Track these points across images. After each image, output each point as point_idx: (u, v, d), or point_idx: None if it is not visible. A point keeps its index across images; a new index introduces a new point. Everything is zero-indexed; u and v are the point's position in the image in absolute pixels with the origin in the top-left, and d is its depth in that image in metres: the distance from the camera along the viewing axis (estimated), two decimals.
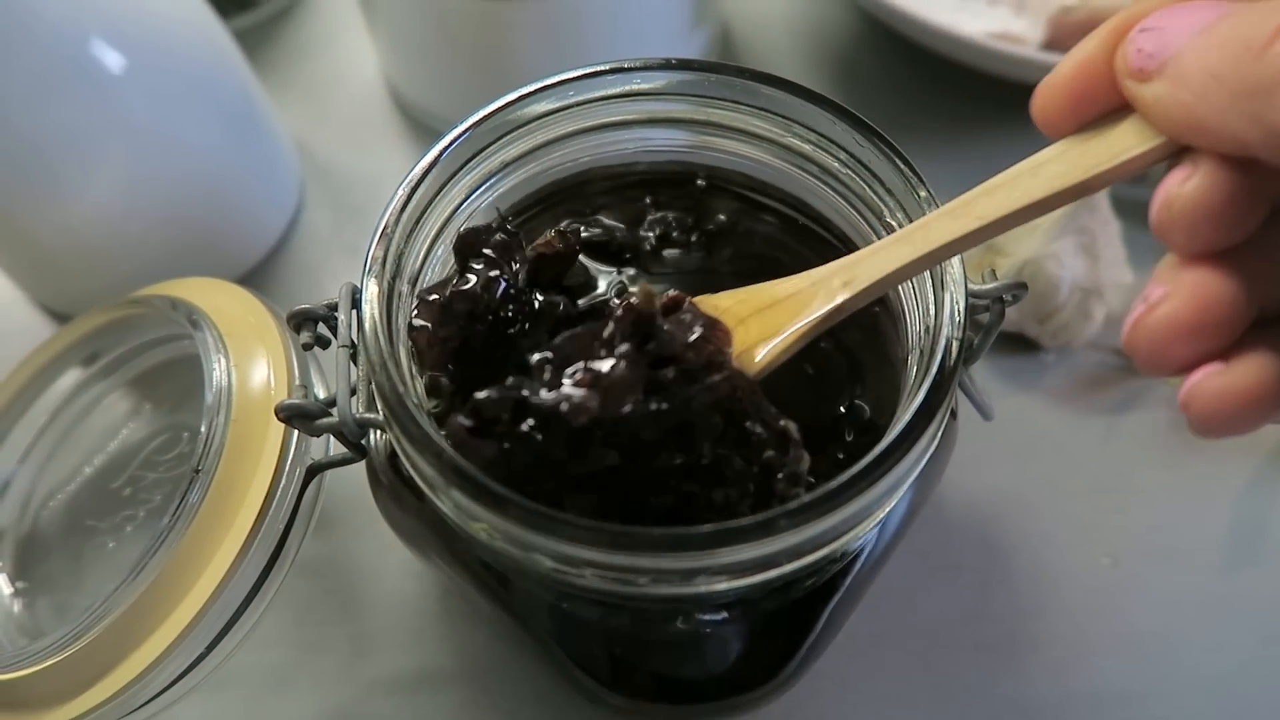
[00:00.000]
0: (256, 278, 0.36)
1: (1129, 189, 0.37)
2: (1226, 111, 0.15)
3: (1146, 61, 0.16)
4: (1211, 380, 0.16)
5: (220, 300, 0.28)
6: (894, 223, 0.22)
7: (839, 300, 0.20)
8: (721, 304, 0.21)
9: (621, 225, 0.27)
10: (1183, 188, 0.16)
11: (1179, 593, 0.29)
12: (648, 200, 0.27)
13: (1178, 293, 0.16)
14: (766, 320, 0.21)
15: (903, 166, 0.22)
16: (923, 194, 0.21)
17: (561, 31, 0.34)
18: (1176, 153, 0.17)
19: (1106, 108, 0.18)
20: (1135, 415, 0.32)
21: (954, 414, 0.24)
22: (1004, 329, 0.27)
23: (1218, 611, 0.29)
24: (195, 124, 0.33)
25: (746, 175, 0.26)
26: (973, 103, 0.39)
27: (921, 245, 0.19)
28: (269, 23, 0.44)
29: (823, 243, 0.26)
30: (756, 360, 0.20)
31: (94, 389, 0.30)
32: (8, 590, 0.27)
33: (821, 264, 0.21)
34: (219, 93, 0.34)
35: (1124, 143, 0.17)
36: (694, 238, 0.26)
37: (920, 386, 0.19)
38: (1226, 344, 0.16)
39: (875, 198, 0.23)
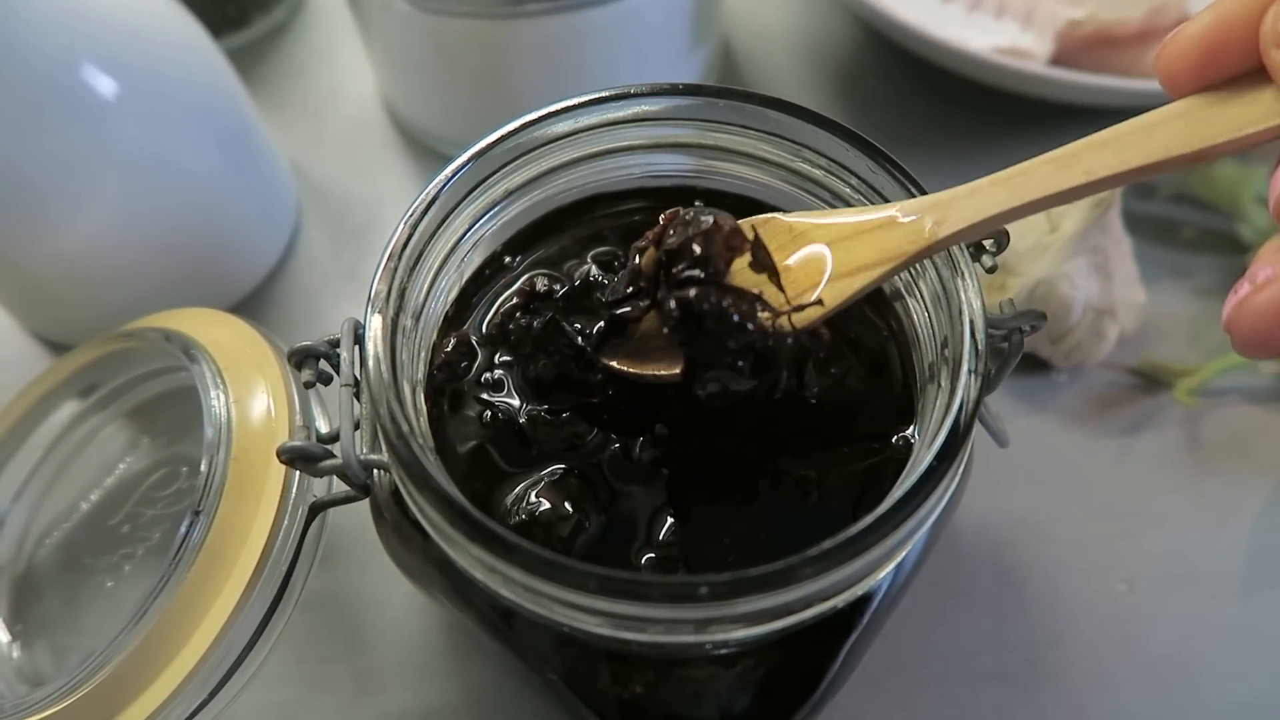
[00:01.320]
0: (253, 303, 0.36)
1: (1141, 204, 0.37)
2: None
3: None
4: (1253, 299, 0.15)
5: (217, 332, 0.27)
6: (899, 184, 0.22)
7: (926, 243, 0.19)
8: (798, 227, 0.20)
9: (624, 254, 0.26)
10: None
11: (1198, 619, 0.29)
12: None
13: None
14: (850, 251, 0.20)
15: (916, 193, 0.21)
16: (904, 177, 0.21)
17: (562, 51, 0.33)
18: None
19: (1239, 72, 0.16)
20: (1150, 436, 0.32)
21: (968, 440, 0.24)
22: (1026, 314, 0.27)
23: (1238, 638, 0.28)
24: (190, 149, 0.33)
25: (755, 200, 0.26)
26: (979, 118, 0.39)
27: (1021, 193, 0.18)
28: (262, 41, 0.44)
29: None
30: (825, 300, 0.20)
31: (90, 422, 0.29)
32: (5, 636, 0.26)
33: None
34: (214, 116, 0.34)
35: (1252, 113, 0.16)
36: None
37: (942, 427, 0.18)
38: None
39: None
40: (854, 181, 0.23)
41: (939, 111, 0.40)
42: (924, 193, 0.21)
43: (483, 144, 0.22)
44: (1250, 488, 0.31)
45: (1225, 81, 0.16)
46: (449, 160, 0.22)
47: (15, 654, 0.26)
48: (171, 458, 0.29)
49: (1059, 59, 0.36)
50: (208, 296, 0.35)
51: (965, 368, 0.19)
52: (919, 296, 0.22)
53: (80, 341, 0.33)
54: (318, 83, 0.42)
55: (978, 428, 0.24)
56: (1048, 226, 0.30)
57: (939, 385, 0.20)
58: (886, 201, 0.22)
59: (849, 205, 0.23)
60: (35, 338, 0.36)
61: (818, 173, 0.24)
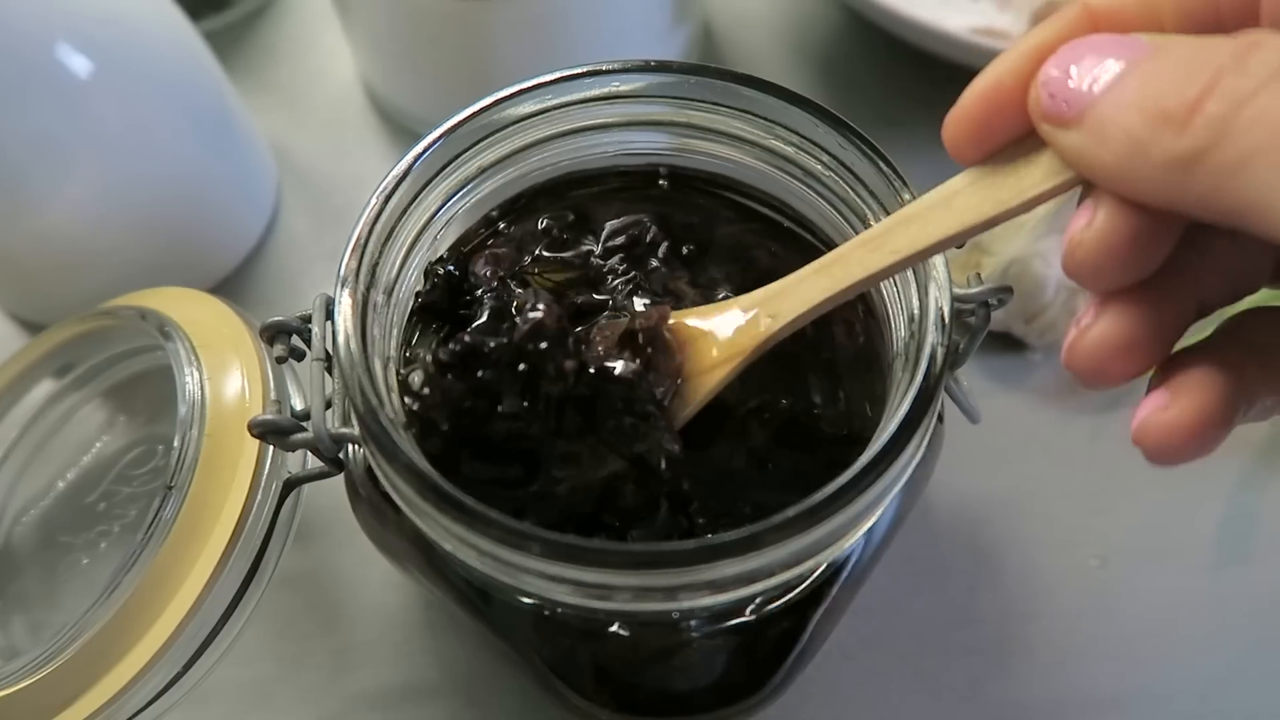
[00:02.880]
0: (233, 284, 0.36)
1: None
2: (1153, 177, 0.14)
3: (1062, 109, 0.15)
4: (1157, 417, 0.16)
5: (193, 310, 0.27)
6: (891, 188, 0.22)
7: (763, 337, 0.20)
8: (676, 326, 0.21)
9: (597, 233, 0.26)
10: (1085, 233, 0.15)
11: (1169, 593, 0.29)
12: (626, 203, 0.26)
13: (1104, 316, 0.16)
14: (702, 347, 0.21)
15: (885, 169, 0.22)
16: (906, 196, 0.21)
17: (540, 31, 0.33)
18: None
19: (1018, 136, 0.17)
20: (1123, 414, 0.32)
21: (940, 418, 0.24)
22: (990, 328, 0.27)
23: (1209, 612, 0.29)
24: (167, 129, 0.32)
25: (727, 177, 0.26)
26: (950, 93, 0.39)
27: (840, 279, 0.19)
28: (241, 24, 0.43)
29: (804, 244, 0.26)
30: (690, 394, 0.21)
31: (66, 401, 0.29)
32: None
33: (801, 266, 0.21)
34: (191, 96, 0.33)
35: (1034, 177, 0.17)
36: (674, 240, 0.26)
37: (906, 395, 0.18)
38: (1164, 354, 0.16)
39: (858, 200, 0.23)
40: (824, 158, 0.23)
41: (917, 92, 0.40)
42: (891, 167, 0.22)
43: (454, 120, 0.22)
44: (1220, 465, 0.31)
45: (1013, 143, 0.17)
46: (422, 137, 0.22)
47: None
48: (148, 436, 0.29)
49: None
50: (187, 277, 0.35)
51: (930, 338, 0.19)
52: None
53: (56, 321, 0.33)
54: (298, 66, 0.42)
55: (950, 404, 0.24)
56: None
57: (907, 358, 0.21)
58: (857, 179, 0.22)
59: (820, 182, 0.24)
60: (10, 317, 0.36)
61: (789, 150, 0.24)
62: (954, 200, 0.18)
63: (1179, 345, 0.17)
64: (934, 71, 0.38)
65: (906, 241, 0.18)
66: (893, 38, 0.37)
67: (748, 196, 0.26)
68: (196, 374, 0.25)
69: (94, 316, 0.28)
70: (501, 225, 0.26)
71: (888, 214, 0.22)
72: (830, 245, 0.25)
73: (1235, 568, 0.30)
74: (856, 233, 0.23)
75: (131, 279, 0.32)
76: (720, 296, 0.23)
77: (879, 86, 0.40)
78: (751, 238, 0.26)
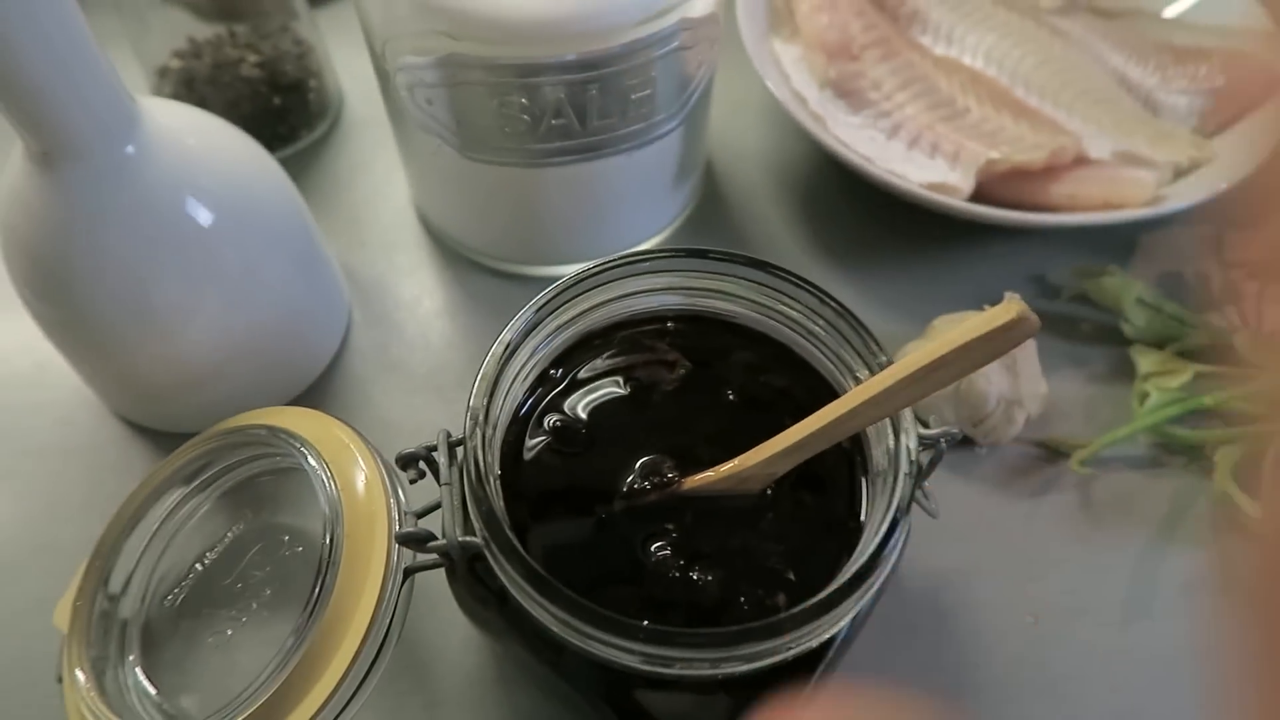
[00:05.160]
0: (316, 391, 0.42)
1: (1048, 304, 0.45)
2: None
3: None
4: None
5: (310, 426, 0.34)
6: (860, 375, 0.30)
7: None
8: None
9: (644, 361, 0.33)
10: None
11: (1089, 644, 0.37)
12: (666, 340, 0.34)
13: None
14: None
15: (868, 339, 0.29)
16: (882, 359, 0.29)
17: (579, 187, 0.41)
18: None
19: None
20: (1052, 498, 0.40)
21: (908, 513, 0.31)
22: (946, 431, 0.35)
23: (1118, 659, 0.36)
24: (270, 264, 0.39)
25: (744, 327, 0.33)
26: (918, 229, 0.47)
27: (815, 446, 0.28)
28: (306, 152, 0.50)
29: (803, 377, 0.33)
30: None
31: (195, 501, 0.35)
32: (145, 680, 0.32)
33: (803, 393, 0.30)
34: (287, 234, 0.40)
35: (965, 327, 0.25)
36: (701, 367, 0.33)
37: (885, 518, 0.26)
38: None
39: (846, 354, 0.30)
40: (821, 323, 0.30)
41: (886, 224, 0.48)
42: (872, 337, 0.29)
43: (543, 299, 0.30)
44: (1130, 538, 0.39)
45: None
46: (517, 313, 0.29)
47: (155, 694, 0.32)
48: (272, 528, 0.35)
49: (982, 187, 0.44)
50: (281, 388, 0.42)
51: (902, 473, 0.27)
52: None
53: (174, 428, 0.39)
54: (357, 191, 0.49)
55: (915, 508, 0.32)
56: None
57: (885, 481, 0.28)
58: (845, 340, 0.30)
59: (816, 338, 0.31)
60: (125, 422, 0.42)
61: (795, 313, 0.31)
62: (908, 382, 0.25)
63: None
64: (897, 207, 0.47)
65: (874, 415, 0.26)
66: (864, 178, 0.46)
67: (762, 342, 0.33)
68: (330, 480, 0.31)
69: (226, 434, 0.34)
70: (561, 370, 0.33)
71: (868, 369, 0.29)
72: (822, 380, 0.32)
73: (1141, 623, 0.37)
74: (843, 376, 0.31)
75: (235, 393, 0.39)
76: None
77: (853, 215, 0.48)
78: (759, 362, 0.34)
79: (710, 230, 0.48)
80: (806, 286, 0.30)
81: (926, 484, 0.32)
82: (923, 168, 0.44)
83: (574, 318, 0.32)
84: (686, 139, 0.42)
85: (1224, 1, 0.51)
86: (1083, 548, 0.39)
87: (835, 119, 0.46)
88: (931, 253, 0.47)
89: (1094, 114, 0.46)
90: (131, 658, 0.33)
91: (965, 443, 0.41)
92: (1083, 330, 0.45)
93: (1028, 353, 0.40)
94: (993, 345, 0.25)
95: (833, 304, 0.30)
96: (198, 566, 0.35)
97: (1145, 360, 0.42)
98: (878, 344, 0.29)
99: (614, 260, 0.31)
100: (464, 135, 0.38)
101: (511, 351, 0.29)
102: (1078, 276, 0.45)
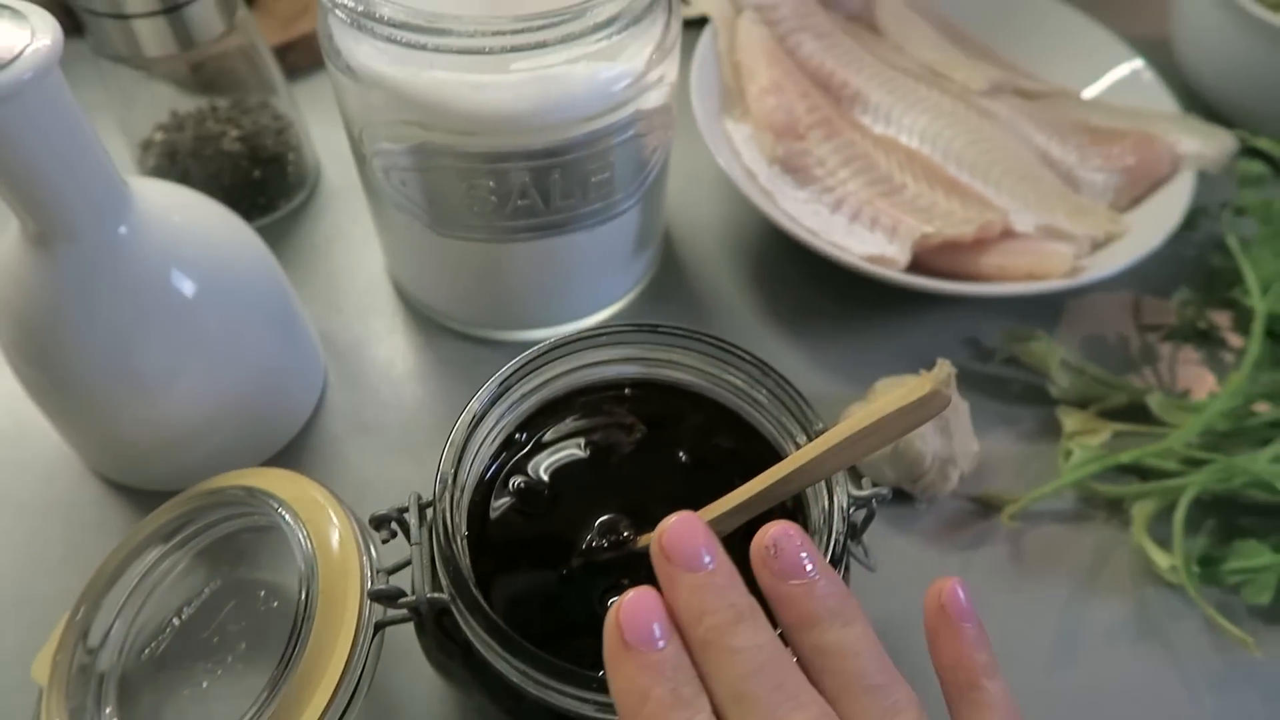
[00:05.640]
0: (292, 451, 0.44)
1: (981, 366, 0.49)
2: None
3: None
4: None
5: (286, 486, 0.36)
6: (799, 441, 0.32)
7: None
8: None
9: (603, 425, 0.36)
10: None
11: (1017, 688, 0.39)
12: (624, 406, 0.36)
13: None
14: None
15: (806, 408, 0.32)
16: (818, 426, 0.32)
17: (544, 260, 0.43)
18: None
19: None
20: (985, 550, 0.43)
21: (849, 568, 0.34)
22: (887, 487, 0.38)
23: (1047, 700, 0.39)
24: (250, 330, 0.41)
25: (696, 393, 0.36)
26: (861, 296, 0.51)
27: (751, 511, 0.30)
28: (284, 221, 0.53)
29: (750, 440, 0.36)
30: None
31: (173, 558, 0.37)
32: None
33: (750, 455, 0.32)
34: (266, 302, 0.42)
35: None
36: (656, 431, 0.36)
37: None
38: None
39: (787, 420, 0.33)
40: (764, 393, 0.33)
41: (831, 291, 0.51)
42: (808, 406, 0.32)
43: (507, 372, 0.32)
44: (1056, 588, 0.42)
45: None
46: (486, 376, 0.32)
47: None
48: (247, 584, 0.37)
49: (919, 258, 0.47)
50: (259, 448, 0.43)
51: (835, 531, 0.29)
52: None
53: (154, 486, 0.41)
54: (333, 259, 0.52)
55: (855, 562, 0.34)
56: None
57: (820, 539, 0.31)
58: (785, 409, 0.33)
59: (760, 404, 0.34)
60: (106, 481, 0.43)
61: (740, 382, 0.34)
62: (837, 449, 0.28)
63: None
64: (843, 274, 0.50)
65: (810, 479, 0.29)
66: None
67: (711, 407, 0.36)
68: (306, 539, 0.33)
69: (205, 494, 0.36)
70: (525, 435, 0.35)
71: (806, 435, 0.32)
72: (766, 444, 0.35)
73: (1065, 668, 0.40)
74: (784, 440, 0.34)
75: (214, 453, 0.41)
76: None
77: (801, 282, 0.52)
78: (710, 426, 0.36)
79: (668, 296, 0.51)
80: (749, 359, 0.33)
81: (865, 539, 0.35)
82: (863, 240, 0.47)
83: (537, 386, 0.34)
84: (644, 214, 0.45)
85: (1137, 85, 0.55)
86: (1013, 597, 0.41)
87: (783, 194, 0.50)
88: (874, 318, 0.50)
89: (1019, 190, 0.50)
90: (109, 709, 0.34)
91: (905, 499, 0.44)
92: (1013, 391, 0.48)
93: (960, 415, 0.43)
94: (911, 416, 0.28)
95: (774, 376, 0.33)
96: (175, 621, 0.36)
97: (1070, 420, 0.45)
98: (814, 412, 0.32)
99: (574, 336, 0.33)
100: (435, 213, 0.41)
101: (477, 421, 0.32)
102: (1008, 341, 0.48)
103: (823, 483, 0.31)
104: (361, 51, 0.36)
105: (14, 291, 0.36)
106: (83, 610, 0.35)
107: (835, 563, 0.29)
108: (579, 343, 0.33)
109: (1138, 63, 0.56)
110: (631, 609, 0.25)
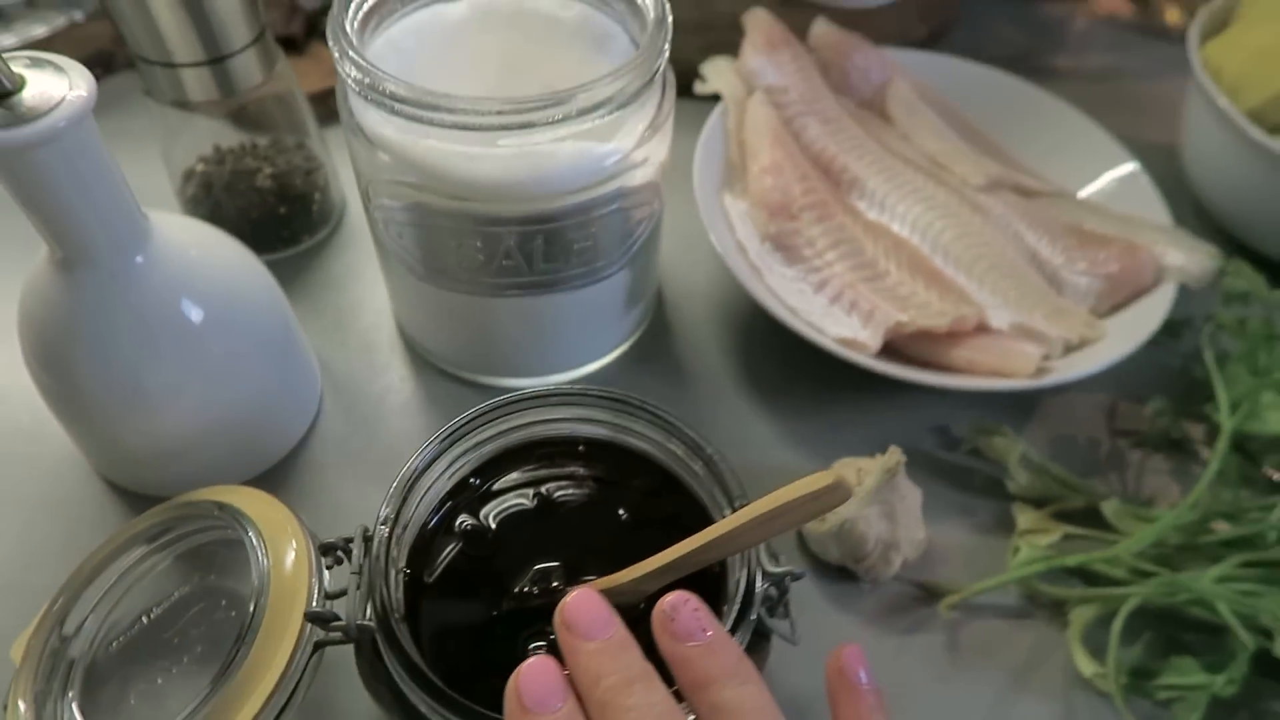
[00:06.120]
0: (280, 471, 0.47)
1: (947, 454, 0.50)
2: None
3: None
4: None
5: (257, 506, 0.39)
6: (726, 512, 0.34)
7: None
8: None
9: (552, 478, 0.38)
10: None
11: None
12: (577, 462, 0.39)
13: None
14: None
15: (732, 484, 0.34)
16: (740, 504, 0.33)
17: (531, 316, 0.46)
18: None
19: None
20: (921, 637, 0.43)
21: (768, 637, 0.35)
22: (833, 564, 0.40)
23: None
24: (249, 356, 0.44)
25: (645, 455, 0.38)
26: (838, 375, 0.52)
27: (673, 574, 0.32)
28: (305, 255, 0.57)
29: (688, 505, 0.37)
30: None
31: (152, 560, 0.40)
32: (79, 715, 0.36)
33: (689, 519, 0.34)
34: (267, 332, 0.45)
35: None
36: (603, 488, 0.38)
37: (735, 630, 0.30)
38: None
39: (717, 492, 0.35)
40: (699, 464, 0.35)
41: (810, 366, 0.53)
42: (736, 482, 0.34)
43: (453, 426, 0.35)
44: (987, 683, 0.42)
45: None
46: (438, 430, 0.35)
47: None
48: (213, 590, 0.40)
49: (892, 343, 0.49)
50: (248, 465, 0.47)
51: (737, 601, 0.31)
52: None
53: (148, 490, 0.44)
54: (344, 294, 0.55)
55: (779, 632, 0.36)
56: (855, 480, 0.43)
57: (730, 608, 0.32)
58: (716, 482, 0.35)
59: (697, 475, 0.36)
60: (112, 486, 0.47)
61: (679, 451, 0.36)
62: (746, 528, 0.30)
63: None
64: (820, 352, 0.52)
65: (725, 551, 0.30)
66: None
67: (656, 468, 0.38)
68: (264, 557, 0.36)
69: (182, 505, 0.40)
70: (479, 479, 0.38)
71: (731, 507, 0.34)
72: (702, 508, 0.37)
73: None
74: (717, 508, 0.35)
75: (206, 466, 0.44)
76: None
77: (782, 354, 0.53)
78: (653, 488, 0.38)
79: (653, 357, 0.53)
80: (685, 435, 0.35)
81: (794, 615, 0.36)
82: (839, 322, 0.49)
83: (493, 436, 0.37)
84: (629, 279, 0.48)
85: (1134, 187, 0.57)
86: (943, 686, 0.42)
87: (771, 270, 0.52)
88: (848, 398, 0.52)
89: (1001, 287, 0.52)
90: (71, 694, 0.37)
91: (850, 577, 0.45)
92: (974, 483, 0.49)
93: (908, 502, 0.44)
94: (815, 504, 0.30)
95: (705, 452, 0.35)
96: (144, 619, 0.39)
97: (1024, 517, 0.46)
98: (741, 488, 0.34)
99: (519, 395, 0.36)
100: (428, 265, 0.44)
101: (418, 475, 0.35)
102: (973, 433, 0.49)
103: (740, 555, 0.33)
104: (370, 116, 0.40)
105: (39, 307, 0.39)
106: (62, 600, 0.38)
107: (742, 630, 0.31)
108: (522, 403, 0.36)
109: (1134, 166, 0.57)
110: (529, 675, 0.27)
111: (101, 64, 0.68)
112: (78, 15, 0.70)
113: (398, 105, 0.37)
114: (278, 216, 0.55)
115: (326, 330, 0.53)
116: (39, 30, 0.69)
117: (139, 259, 0.39)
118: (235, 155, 0.55)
